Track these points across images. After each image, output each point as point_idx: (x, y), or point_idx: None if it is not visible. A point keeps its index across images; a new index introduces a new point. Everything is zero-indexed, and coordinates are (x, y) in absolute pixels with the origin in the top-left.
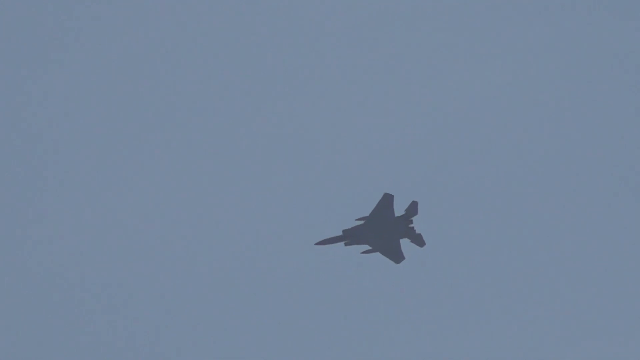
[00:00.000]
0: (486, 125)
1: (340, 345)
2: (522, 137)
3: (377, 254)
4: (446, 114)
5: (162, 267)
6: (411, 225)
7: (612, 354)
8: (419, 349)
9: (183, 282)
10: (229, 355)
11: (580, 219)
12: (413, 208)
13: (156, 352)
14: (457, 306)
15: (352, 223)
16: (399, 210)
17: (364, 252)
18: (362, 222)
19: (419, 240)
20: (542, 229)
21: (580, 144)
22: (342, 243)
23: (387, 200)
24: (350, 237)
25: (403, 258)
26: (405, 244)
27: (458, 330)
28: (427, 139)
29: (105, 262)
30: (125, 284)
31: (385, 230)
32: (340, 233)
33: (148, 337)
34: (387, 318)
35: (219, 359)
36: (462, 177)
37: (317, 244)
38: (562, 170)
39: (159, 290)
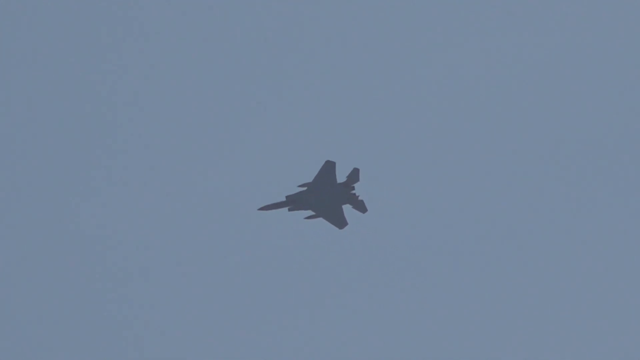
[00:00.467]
0: (431, 96)
1: (283, 307)
2: (464, 103)
3: (321, 220)
4: (392, 84)
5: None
6: (353, 192)
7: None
8: (361, 311)
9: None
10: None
11: (520, 187)
12: (354, 175)
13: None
14: (399, 270)
15: (294, 189)
16: (341, 177)
17: (307, 218)
18: (304, 188)
19: (361, 207)
20: (480, 192)
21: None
22: (285, 208)
23: (329, 167)
24: (293, 202)
25: (346, 223)
26: (347, 210)
27: (399, 293)
28: (372, 107)
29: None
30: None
31: (327, 196)
32: (283, 199)
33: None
34: (331, 281)
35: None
36: (404, 146)
37: (261, 209)
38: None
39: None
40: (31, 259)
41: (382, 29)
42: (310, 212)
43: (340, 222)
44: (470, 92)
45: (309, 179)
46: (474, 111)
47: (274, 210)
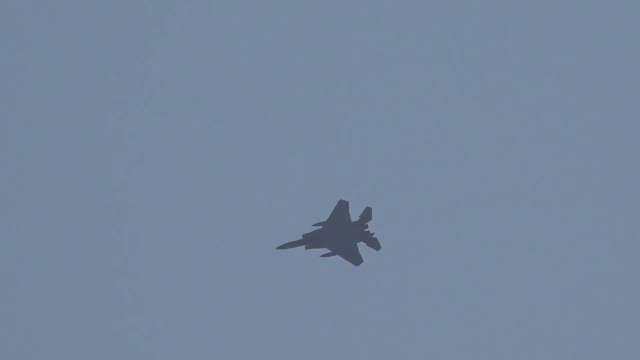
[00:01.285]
0: (436, 130)
1: (303, 346)
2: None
3: (337, 257)
4: (398, 118)
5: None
6: (366, 230)
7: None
8: (377, 343)
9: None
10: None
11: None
12: (367, 214)
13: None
14: (416, 304)
15: (309, 228)
16: (353, 216)
17: (323, 255)
18: (319, 227)
19: (374, 244)
20: (493, 226)
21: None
22: (302, 247)
23: (342, 206)
24: (310, 241)
25: (362, 260)
26: (361, 247)
27: (414, 326)
28: (382, 147)
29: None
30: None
31: (342, 234)
32: (300, 237)
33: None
34: (348, 317)
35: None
36: (414, 183)
37: (279, 248)
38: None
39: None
40: (33, 258)
41: (389, 66)
42: (326, 250)
43: (355, 259)
44: (481, 130)
45: (322, 218)
46: (484, 148)
47: (291, 249)
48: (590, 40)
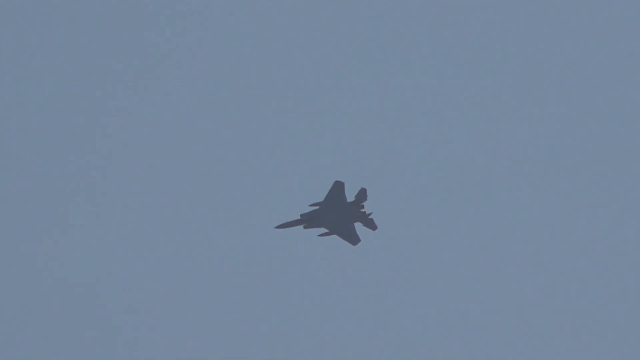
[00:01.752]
0: (428, 113)
1: (300, 323)
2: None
3: (335, 237)
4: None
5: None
6: (363, 210)
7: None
8: (374, 325)
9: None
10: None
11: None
12: (362, 194)
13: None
14: (410, 285)
15: (306, 208)
16: (349, 196)
17: (321, 235)
18: (316, 207)
19: (371, 224)
20: (487, 205)
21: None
22: (300, 226)
23: (338, 187)
24: (307, 220)
25: (359, 240)
26: (358, 227)
27: (413, 306)
28: (376, 128)
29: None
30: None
31: (339, 214)
32: (298, 217)
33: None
34: (346, 296)
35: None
36: (409, 165)
37: (277, 227)
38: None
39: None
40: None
41: (383, 53)
42: (324, 230)
43: (353, 239)
44: (475, 112)
45: (319, 199)
46: (479, 129)
47: (290, 228)
48: (590, 40)
